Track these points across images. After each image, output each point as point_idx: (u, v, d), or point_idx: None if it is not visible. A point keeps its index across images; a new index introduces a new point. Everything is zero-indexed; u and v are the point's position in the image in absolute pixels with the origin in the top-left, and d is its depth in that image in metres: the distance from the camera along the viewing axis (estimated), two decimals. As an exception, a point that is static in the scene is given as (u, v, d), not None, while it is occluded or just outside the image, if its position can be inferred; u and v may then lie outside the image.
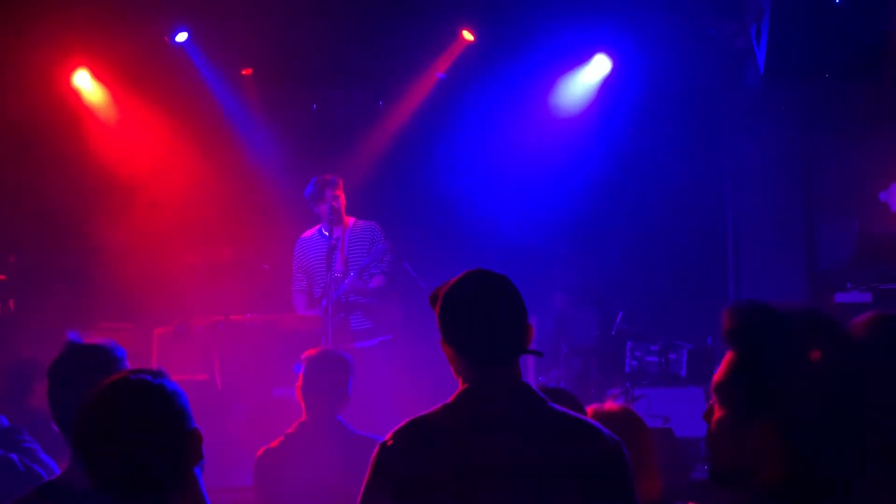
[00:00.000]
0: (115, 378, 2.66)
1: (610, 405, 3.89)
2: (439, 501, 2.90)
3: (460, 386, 3.09)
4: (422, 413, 3.08)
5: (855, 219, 9.75)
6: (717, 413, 2.29)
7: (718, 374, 2.29)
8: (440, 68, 10.59)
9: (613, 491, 2.96)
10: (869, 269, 9.51)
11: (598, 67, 10.48)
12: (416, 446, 2.96)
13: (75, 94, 10.40)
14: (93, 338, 3.52)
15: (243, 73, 10.35)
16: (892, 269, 9.36)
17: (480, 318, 3.06)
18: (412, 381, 8.54)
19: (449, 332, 3.10)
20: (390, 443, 3.02)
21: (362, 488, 3.00)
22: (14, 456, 4.39)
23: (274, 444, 5.15)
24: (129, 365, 3.40)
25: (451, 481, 2.89)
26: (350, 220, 8.97)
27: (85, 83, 10.40)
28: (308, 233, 9.13)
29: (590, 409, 3.81)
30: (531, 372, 9.18)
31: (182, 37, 10.08)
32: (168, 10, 9.89)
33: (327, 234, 8.85)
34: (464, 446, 2.93)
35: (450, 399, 3.07)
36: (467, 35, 10.31)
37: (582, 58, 10.50)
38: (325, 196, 8.84)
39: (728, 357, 2.28)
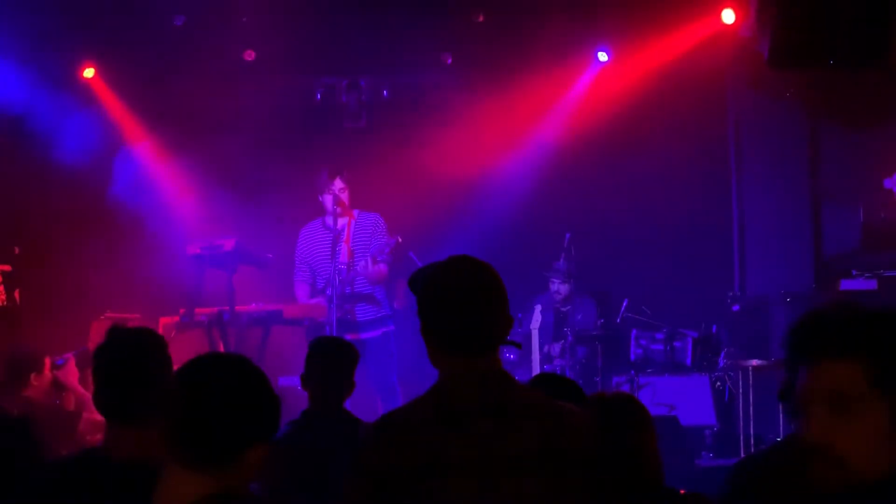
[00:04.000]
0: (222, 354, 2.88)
1: (613, 393, 3.88)
2: (415, 495, 2.86)
3: (438, 376, 3.05)
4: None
5: (860, 206, 9.73)
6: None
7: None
8: (446, 56, 10.58)
9: (590, 476, 2.93)
10: (874, 256, 9.51)
11: (601, 56, 10.50)
12: (390, 440, 2.93)
13: (81, 86, 10.43)
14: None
15: (245, 57, 10.33)
16: (898, 256, 9.36)
17: (460, 307, 2.99)
18: (416, 371, 8.54)
19: (428, 319, 3.04)
20: (366, 438, 2.99)
21: (345, 485, 2.99)
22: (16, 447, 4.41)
23: (278, 433, 5.15)
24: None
25: (424, 474, 2.86)
26: (354, 212, 8.97)
27: (91, 75, 10.45)
28: (311, 223, 9.14)
29: (592, 396, 3.81)
30: (536, 360, 9.18)
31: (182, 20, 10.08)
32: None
33: (331, 224, 8.85)
34: (436, 439, 2.89)
35: (427, 391, 3.03)
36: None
37: (585, 47, 10.50)
38: (332, 186, 8.84)
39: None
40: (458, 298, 3.00)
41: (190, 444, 2.66)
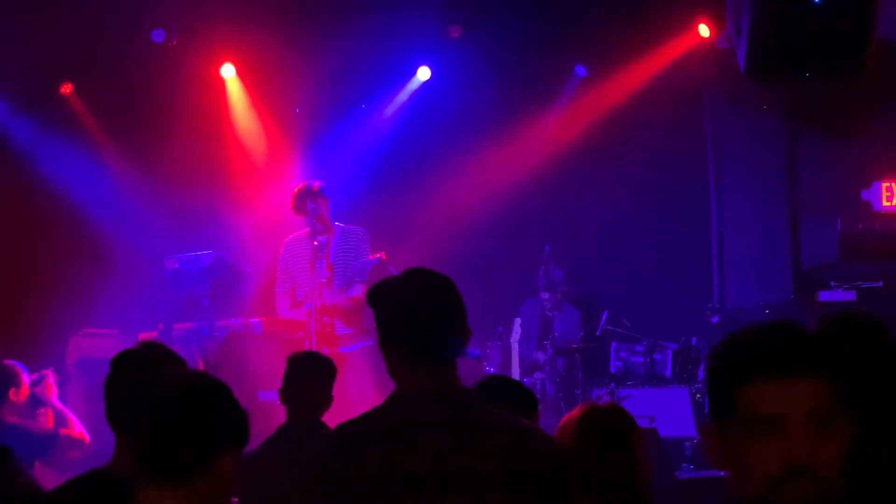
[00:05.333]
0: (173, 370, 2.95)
1: (602, 403, 3.90)
2: None
3: (395, 389, 3.04)
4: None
5: (838, 217, 9.76)
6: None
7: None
8: (424, 70, 10.63)
9: (547, 495, 2.89)
10: (852, 267, 9.54)
11: (579, 71, 10.57)
12: (342, 450, 2.92)
13: (58, 102, 10.41)
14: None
15: (223, 72, 10.37)
16: (875, 268, 9.38)
17: (415, 321, 3.00)
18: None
19: (385, 332, 3.05)
20: (319, 447, 2.99)
21: (295, 491, 2.99)
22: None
23: (256, 447, 5.13)
24: None
25: (376, 486, 2.85)
26: (338, 227, 8.95)
27: (68, 91, 10.43)
28: (296, 234, 9.12)
29: (581, 407, 3.82)
30: (516, 373, 9.17)
31: (161, 36, 10.07)
32: (148, 11, 9.87)
33: (313, 239, 8.84)
34: (390, 451, 2.89)
35: (383, 403, 3.03)
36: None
37: (564, 62, 10.55)
38: (306, 208, 8.80)
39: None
40: (413, 312, 3.01)
41: (155, 459, 2.65)
